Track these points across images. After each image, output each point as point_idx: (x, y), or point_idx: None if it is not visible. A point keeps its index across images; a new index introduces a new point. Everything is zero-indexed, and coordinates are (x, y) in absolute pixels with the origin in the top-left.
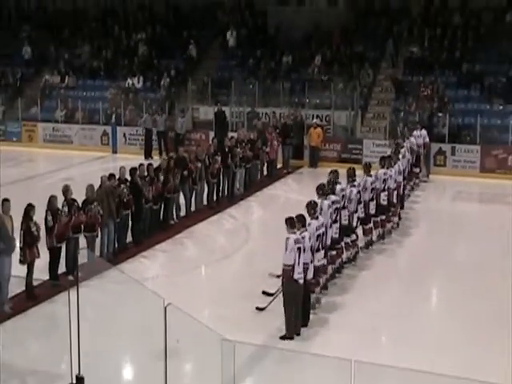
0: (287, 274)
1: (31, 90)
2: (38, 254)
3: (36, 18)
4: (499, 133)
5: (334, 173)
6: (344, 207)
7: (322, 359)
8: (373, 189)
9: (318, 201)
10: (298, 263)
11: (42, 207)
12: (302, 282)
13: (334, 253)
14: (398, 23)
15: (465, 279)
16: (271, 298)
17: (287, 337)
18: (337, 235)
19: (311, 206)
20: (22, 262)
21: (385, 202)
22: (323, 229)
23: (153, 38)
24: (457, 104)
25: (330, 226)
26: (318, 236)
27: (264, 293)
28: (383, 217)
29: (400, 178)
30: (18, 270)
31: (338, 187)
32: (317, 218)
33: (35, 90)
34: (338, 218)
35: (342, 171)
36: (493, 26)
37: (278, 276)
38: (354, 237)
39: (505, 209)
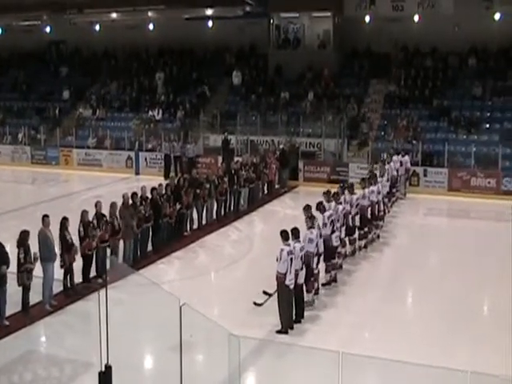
0: (281, 280)
1: (68, 121)
2: (74, 258)
3: (73, 60)
4: (463, 158)
5: (327, 193)
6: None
7: (314, 351)
8: (357, 204)
9: (321, 215)
10: (290, 271)
11: (76, 220)
12: (292, 286)
13: (333, 261)
14: (378, 65)
15: (435, 281)
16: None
17: (282, 331)
18: (337, 243)
19: (310, 219)
20: (62, 266)
21: (369, 216)
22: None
23: (170, 76)
24: (428, 133)
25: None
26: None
27: (264, 292)
28: (366, 229)
29: (380, 197)
30: (56, 273)
31: (332, 204)
32: (313, 227)
33: (71, 121)
34: (335, 228)
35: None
36: (458, 68)
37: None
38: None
39: (468, 222)
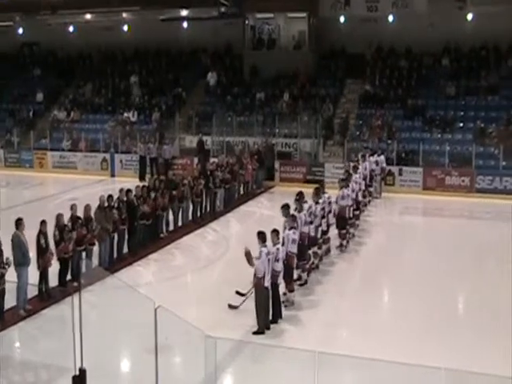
0: (259, 281)
1: (42, 124)
2: (50, 263)
3: (46, 62)
4: (438, 157)
5: (300, 194)
6: (311, 222)
7: (290, 351)
8: (329, 202)
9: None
10: (268, 272)
11: (51, 224)
12: (270, 287)
13: (304, 261)
14: (353, 65)
15: (411, 279)
16: (244, 297)
17: (259, 332)
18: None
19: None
20: (38, 268)
21: (346, 215)
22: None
23: (146, 78)
24: (403, 133)
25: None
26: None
27: (237, 293)
28: (344, 231)
29: (354, 195)
30: (31, 278)
31: (306, 205)
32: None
33: (45, 123)
34: (308, 230)
35: (307, 190)
36: (432, 68)
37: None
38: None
39: (443, 220)
